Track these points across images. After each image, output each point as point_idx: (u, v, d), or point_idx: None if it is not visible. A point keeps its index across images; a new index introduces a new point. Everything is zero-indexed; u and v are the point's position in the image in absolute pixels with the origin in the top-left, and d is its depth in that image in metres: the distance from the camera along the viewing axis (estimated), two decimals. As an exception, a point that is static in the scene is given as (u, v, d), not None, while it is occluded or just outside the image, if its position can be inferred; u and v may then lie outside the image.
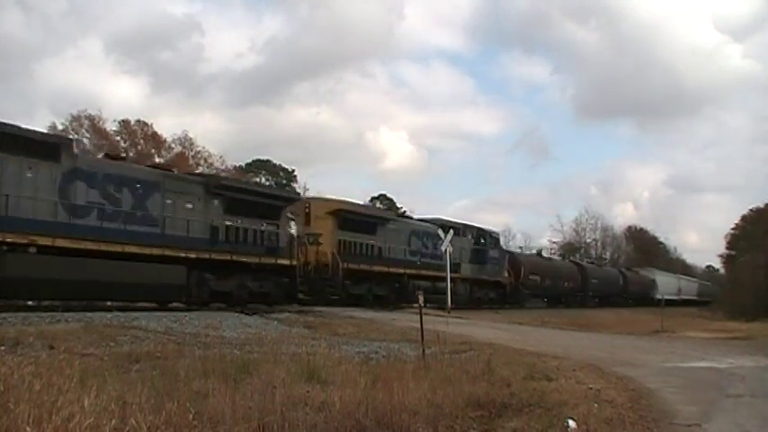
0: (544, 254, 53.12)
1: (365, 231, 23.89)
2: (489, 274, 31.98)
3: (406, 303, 23.88)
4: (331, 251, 22.23)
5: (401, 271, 25.34)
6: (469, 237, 30.97)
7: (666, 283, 59.93)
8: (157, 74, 78.17)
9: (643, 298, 53.91)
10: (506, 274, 33.83)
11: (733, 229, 60.48)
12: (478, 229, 32.35)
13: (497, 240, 35.03)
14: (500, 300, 32.97)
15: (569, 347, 13.95)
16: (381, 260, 24.42)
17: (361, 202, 36.29)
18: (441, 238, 25.36)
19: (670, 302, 52.16)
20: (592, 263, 56.17)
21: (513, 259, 37.26)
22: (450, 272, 25.36)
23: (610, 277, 52.00)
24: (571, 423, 6.08)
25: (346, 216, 23.38)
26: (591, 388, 8.28)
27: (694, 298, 65.91)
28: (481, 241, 31.70)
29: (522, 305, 34.64)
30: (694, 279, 75.42)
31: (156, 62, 78.06)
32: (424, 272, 26.25)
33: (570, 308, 39.94)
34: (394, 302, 24.57)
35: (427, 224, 28.65)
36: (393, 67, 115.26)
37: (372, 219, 25.30)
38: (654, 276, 60.05)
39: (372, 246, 24.04)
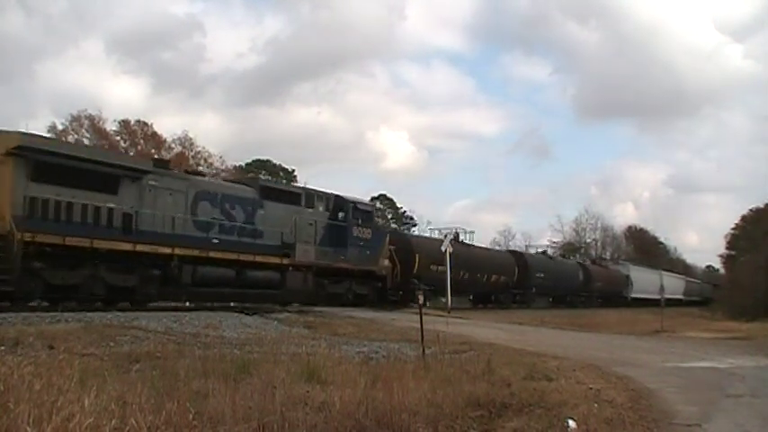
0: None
1: (93, 187, 14.86)
2: (354, 262, 22.23)
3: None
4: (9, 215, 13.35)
5: (166, 251, 16.13)
6: (320, 207, 21.50)
7: (643, 280, 55.23)
8: (158, 74, 78.33)
9: (611, 296, 48.96)
10: (386, 263, 24.25)
11: (733, 229, 60.57)
12: (337, 197, 22.42)
13: (370, 215, 24.48)
14: (379, 298, 24.08)
15: (569, 347, 13.96)
16: (127, 233, 15.45)
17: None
18: (261, 207, 19.02)
19: (647, 302, 48.89)
20: (544, 253, 48.66)
21: (404, 243, 27.78)
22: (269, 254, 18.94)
23: (563, 271, 43.22)
24: (571, 423, 6.08)
25: (44, 159, 14.03)
26: (591, 388, 8.28)
27: (680, 297, 61.56)
28: (340, 215, 22.04)
29: (406, 305, 25.09)
30: (681, 276, 70.64)
31: (158, 62, 78.25)
32: (219, 254, 17.35)
33: (505, 308, 33.26)
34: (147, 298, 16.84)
35: (234, 185, 20.08)
36: (394, 67, 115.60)
37: (107, 168, 15.40)
38: (628, 272, 54.92)
39: (111, 211, 15.24)
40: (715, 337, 22.18)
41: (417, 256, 27.53)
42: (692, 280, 73.77)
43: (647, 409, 7.42)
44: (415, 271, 26.90)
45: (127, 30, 75.27)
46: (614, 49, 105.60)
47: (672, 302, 56.79)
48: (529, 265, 38.25)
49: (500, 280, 34.67)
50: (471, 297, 35.97)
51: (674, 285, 61.81)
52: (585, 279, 45.33)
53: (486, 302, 35.64)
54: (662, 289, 58.67)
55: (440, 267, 27.68)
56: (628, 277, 53.62)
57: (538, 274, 38.18)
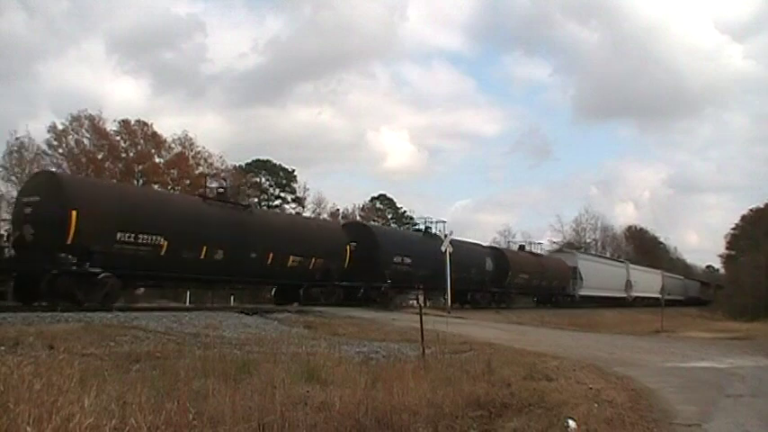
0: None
1: None
2: None
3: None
4: None
5: None
6: None
7: (600, 275, 45.27)
8: (160, 74, 78.20)
9: (547, 294, 39.53)
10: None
11: (733, 229, 60.71)
12: None
13: None
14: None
15: (569, 347, 13.97)
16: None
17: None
18: None
19: (607, 302, 43.41)
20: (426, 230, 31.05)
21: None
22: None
23: (467, 260, 29.05)
24: (571, 423, 6.08)
25: None
26: (591, 388, 8.28)
27: (656, 296, 50.42)
28: None
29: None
30: (657, 271, 61.16)
31: (159, 62, 78.15)
32: None
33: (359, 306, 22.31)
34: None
35: None
36: (394, 68, 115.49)
37: None
38: (575, 263, 42.47)
39: None
40: (715, 337, 22.22)
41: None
42: (675, 276, 65.83)
43: (647, 408, 7.42)
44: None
45: (128, 30, 75.24)
46: (614, 50, 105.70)
47: (647, 302, 49.84)
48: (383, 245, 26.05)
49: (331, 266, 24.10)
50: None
51: (648, 283, 53.95)
52: (497, 271, 32.78)
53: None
54: (629, 285, 50.31)
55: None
56: (575, 270, 41.83)
57: (422, 272, 26.50)
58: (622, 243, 78.46)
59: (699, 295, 68.99)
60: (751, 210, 56.90)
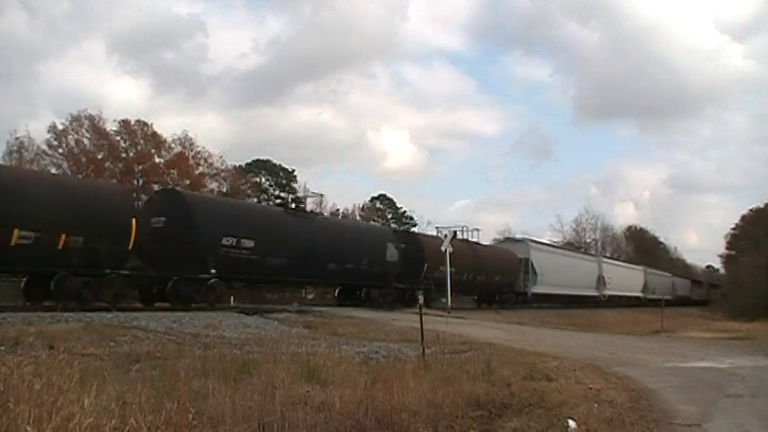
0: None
1: None
2: None
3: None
4: None
5: None
6: None
7: (560, 269, 38.04)
8: (160, 74, 78.01)
9: (489, 292, 32.60)
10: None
11: (733, 229, 60.64)
12: None
13: None
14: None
15: (569, 347, 13.98)
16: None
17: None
18: None
19: (572, 301, 39.22)
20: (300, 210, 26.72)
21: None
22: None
23: (355, 246, 23.44)
24: (571, 423, 6.08)
25: None
26: (591, 388, 8.28)
27: (636, 295, 49.87)
28: None
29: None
30: (640, 267, 56.35)
31: (160, 62, 77.96)
32: None
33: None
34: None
35: None
36: (395, 68, 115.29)
37: None
38: (527, 254, 35.46)
39: None
40: (715, 337, 22.22)
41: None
42: (660, 273, 60.03)
43: (647, 409, 7.42)
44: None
45: (129, 30, 75.01)
46: (615, 50, 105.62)
47: (625, 302, 46.01)
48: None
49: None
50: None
51: (625, 280, 49.09)
52: (408, 261, 25.93)
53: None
54: (601, 282, 44.40)
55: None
56: (527, 262, 35.13)
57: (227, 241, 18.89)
58: (622, 243, 78.50)
59: (689, 294, 65.19)
60: (751, 210, 56.92)
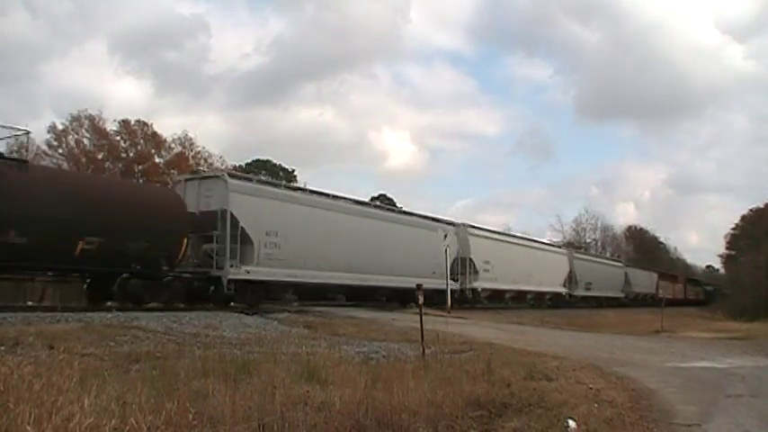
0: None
1: None
2: None
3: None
4: None
5: None
6: None
7: (512, 263, 31.64)
8: (162, 74, 78.21)
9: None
10: None
11: (733, 229, 60.54)
12: None
13: None
14: None
15: (569, 347, 13.98)
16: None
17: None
18: None
19: (539, 300, 34.78)
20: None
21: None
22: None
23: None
24: (571, 423, 6.08)
25: None
26: (591, 388, 8.28)
27: (617, 295, 45.26)
28: None
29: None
30: (618, 263, 51.65)
31: (162, 62, 78.18)
32: None
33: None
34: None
35: None
36: (396, 68, 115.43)
37: None
38: (466, 244, 28.77)
39: None
40: (715, 337, 22.18)
41: None
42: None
43: (647, 408, 7.42)
44: None
45: (131, 30, 75.19)
46: (615, 50, 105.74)
47: (600, 303, 40.88)
48: None
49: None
50: None
51: (602, 277, 44.41)
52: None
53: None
54: (573, 280, 39.66)
55: None
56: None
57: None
58: (622, 243, 78.48)
59: (654, 292, 54.06)
60: (751, 210, 56.87)
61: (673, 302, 51.38)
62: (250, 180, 20.70)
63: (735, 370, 11.54)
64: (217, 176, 19.10)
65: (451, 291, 26.39)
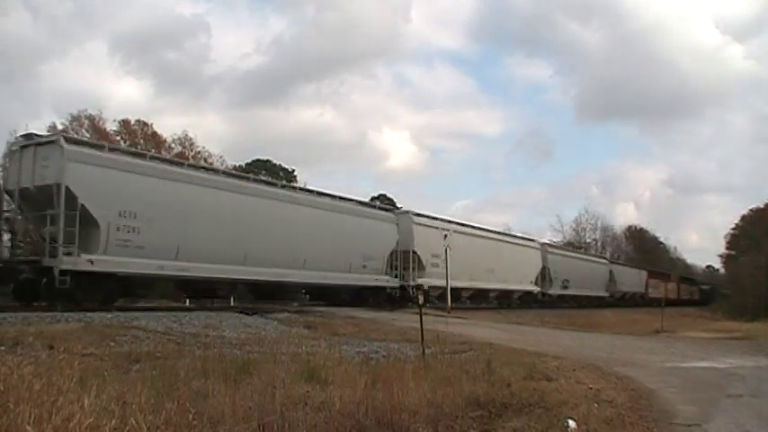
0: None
1: None
2: None
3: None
4: None
5: None
6: None
7: (471, 257, 28.37)
8: (162, 74, 78.25)
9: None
10: None
11: (733, 229, 60.56)
12: None
13: None
14: None
15: (569, 347, 13.98)
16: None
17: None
18: None
19: (503, 299, 31.92)
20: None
21: None
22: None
23: None
24: (571, 423, 6.08)
25: None
26: (591, 388, 8.28)
27: (601, 295, 41.91)
28: None
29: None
30: (602, 260, 48.13)
31: (162, 62, 78.21)
32: None
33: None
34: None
35: None
36: (396, 68, 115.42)
37: None
38: (410, 234, 25.81)
39: None
40: (715, 337, 22.18)
41: None
42: (632, 269, 50.81)
43: (647, 408, 7.42)
44: None
45: (132, 30, 75.20)
46: (616, 50, 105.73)
47: (580, 303, 37.95)
48: None
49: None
50: None
51: (582, 274, 40.67)
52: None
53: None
54: (547, 277, 35.80)
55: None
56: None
57: None
58: (622, 243, 78.48)
59: (644, 292, 51.63)
60: (751, 210, 56.89)
61: (665, 302, 48.63)
62: (100, 147, 16.34)
63: (735, 370, 11.54)
64: (52, 141, 15.15)
65: (390, 288, 24.25)
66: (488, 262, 30.25)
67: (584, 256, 46.71)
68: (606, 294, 45.35)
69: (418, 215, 27.21)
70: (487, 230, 33.68)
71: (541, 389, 7.69)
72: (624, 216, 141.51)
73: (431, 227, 27.12)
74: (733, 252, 57.57)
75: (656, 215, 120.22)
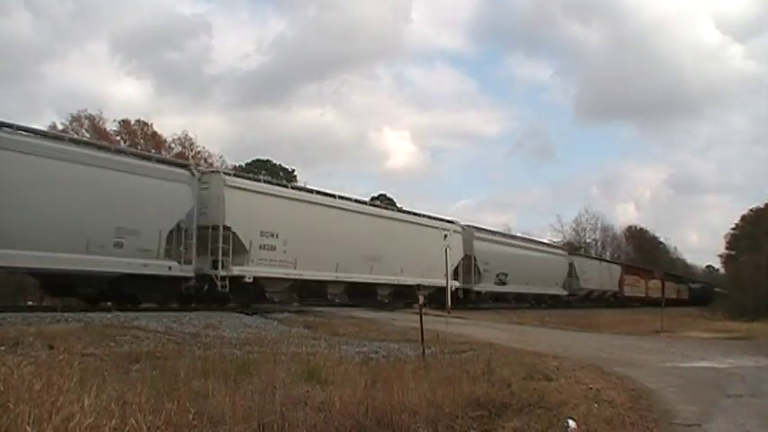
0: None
1: None
2: None
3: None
4: None
5: None
6: None
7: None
8: (163, 74, 78.19)
9: None
10: None
11: (733, 229, 60.46)
12: None
13: None
14: None
15: (569, 347, 13.98)
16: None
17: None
18: None
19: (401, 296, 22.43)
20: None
21: None
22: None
23: None
24: (571, 423, 6.08)
25: None
26: (591, 388, 8.28)
27: (556, 292, 36.40)
28: None
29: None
30: (562, 252, 41.34)
31: (163, 63, 78.16)
32: None
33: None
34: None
35: None
36: (397, 69, 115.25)
37: None
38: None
39: None
40: (715, 337, 22.18)
41: None
42: (600, 263, 45.44)
43: (647, 408, 7.42)
44: None
45: (132, 30, 75.08)
46: (616, 50, 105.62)
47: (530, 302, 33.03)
48: None
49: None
50: None
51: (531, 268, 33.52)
52: None
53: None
54: (474, 271, 28.15)
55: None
56: None
57: None
58: (622, 243, 78.49)
59: (617, 290, 45.86)
60: (751, 210, 56.78)
61: (646, 302, 45.73)
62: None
63: (735, 370, 11.54)
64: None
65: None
66: (373, 247, 23.11)
67: (531, 245, 37.65)
68: (564, 293, 38.28)
69: (235, 176, 20.12)
70: (374, 205, 27.35)
71: (541, 389, 7.69)
72: (624, 216, 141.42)
73: (260, 193, 19.33)
74: (733, 252, 57.56)
75: (657, 215, 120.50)
